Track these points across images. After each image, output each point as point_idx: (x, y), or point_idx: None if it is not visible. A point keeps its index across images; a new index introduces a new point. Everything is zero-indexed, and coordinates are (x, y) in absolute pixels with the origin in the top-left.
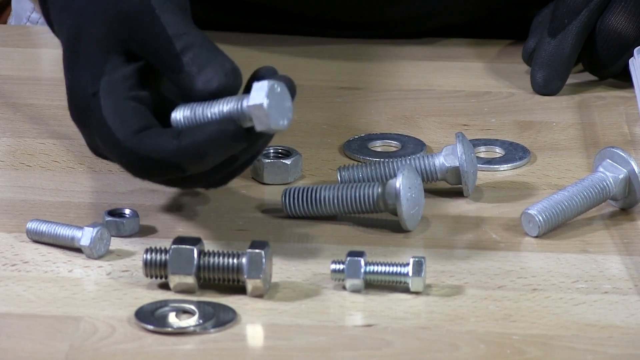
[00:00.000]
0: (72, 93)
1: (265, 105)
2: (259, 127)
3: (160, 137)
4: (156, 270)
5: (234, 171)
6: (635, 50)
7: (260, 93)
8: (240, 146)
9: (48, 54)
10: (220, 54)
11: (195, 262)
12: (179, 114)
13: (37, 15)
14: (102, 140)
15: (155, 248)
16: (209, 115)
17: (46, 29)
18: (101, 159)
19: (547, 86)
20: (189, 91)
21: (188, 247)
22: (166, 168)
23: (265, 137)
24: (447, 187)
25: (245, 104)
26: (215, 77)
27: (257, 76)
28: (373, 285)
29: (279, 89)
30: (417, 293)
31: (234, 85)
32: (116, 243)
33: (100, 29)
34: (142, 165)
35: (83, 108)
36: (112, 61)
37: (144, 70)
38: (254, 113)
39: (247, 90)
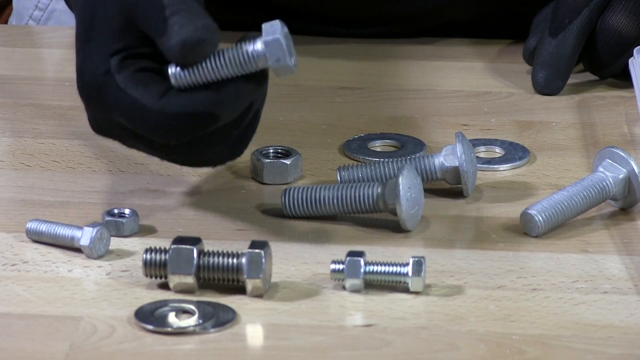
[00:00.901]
0: (83, 71)
1: (281, 39)
2: (273, 63)
3: (188, 93)
4: (156, 270)
5: (247, 130)
6: (635, 50)
7: (274, 29)
8: (263, 89)
9: (48, 53)
10: (202, 15)
11: (195, 262)
12: (175, 68)
13: (39, 14)
14: (124, 112)
15: (155, 248)
16: (215, 64)
17: (47, 28)
18: (104, 138)
19: (548, 86)
20: (166, 51)
21: (188, 247)
22: (201, 120)
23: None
24: (446, 187)
25: (259, 41)
26: (185, 30)
27: (246, 36)
28: (373, 285)
29: (286, 29)
30: (416, 293)
31: (205, 38)
32: (116, 243)
33: (112, 9)
34: (175, 123)
35: (94, 86)
36: (122, 40)
37: (154, 49)
38: (271, 48)
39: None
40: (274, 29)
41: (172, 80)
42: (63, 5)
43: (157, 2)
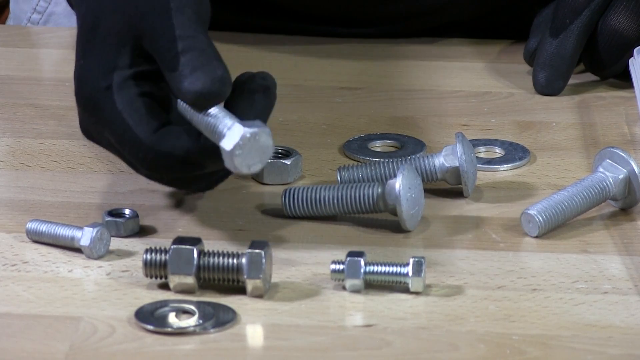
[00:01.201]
0: (82, 81)
1: (232, 154)
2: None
3: (182, 136)
4: (156, 270)
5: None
6: (635, 50)
7: (231, 139)
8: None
9: (48, 54)
10: (216, 60)
11: (195, 262)
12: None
13: (37, 17)
14: (115, 134)
15: (155, 248)
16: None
17: (47, 29)
18: (91, 142)
19: (549, 86)
20: (177, 91)
21: (188, 247)
22: (186, 165)
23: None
24: (447, 187)
25: (219, 141)
26: (202, 80)
27: (236, 82)
28: (373, 285)
29: (255, 136)
30: (416, 293)
31: (219, 92)
32: (116, 243)
33: (118, 22)
34: (161, 162)
35: (92, 98)
36: (126, 55)
37: (157, 68)
38: (224, 155)
39: (232, 93)
40: (230, 139)
41: (179, 107)
42: (61, 9)
43: (169, 32)
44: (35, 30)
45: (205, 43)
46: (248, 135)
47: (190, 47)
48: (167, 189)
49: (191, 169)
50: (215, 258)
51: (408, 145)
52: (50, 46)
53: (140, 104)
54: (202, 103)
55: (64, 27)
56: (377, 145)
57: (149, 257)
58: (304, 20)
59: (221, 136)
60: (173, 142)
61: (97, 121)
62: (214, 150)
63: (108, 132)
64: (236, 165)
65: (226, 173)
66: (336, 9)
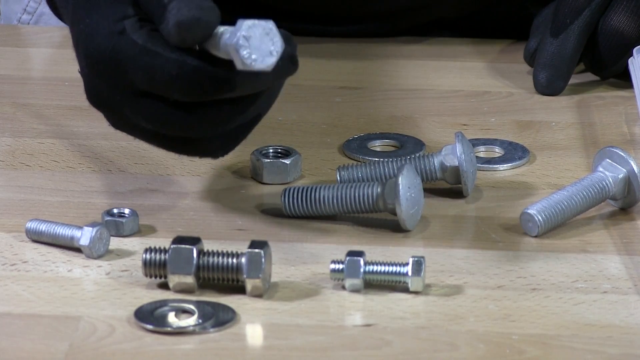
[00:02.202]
0: (93, 34)
1: (237, 46)
2: (238, 66)
3: (211, 56)
4: (155, 269)
5: (269, 101)
6: (634, 50)
7: (232, 34)
8: (294, 70)
9: (46, 53)
10: (196, 3)
11: (195, 261)
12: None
13: (27, 17)
14: (143, 67)
15: (155, 248)
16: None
17: (45, 28)
18: (99, 110)
19: (550, 86)
20: (167, 36)
21: (187, 246)
22: (218, 82)
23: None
24: (446, 186)
25: (223, 39)
26: (185, 12)
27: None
28: (372, 285)
29: (260, 29)
30: (416, 293)
31: (201, 16)
32: (115, 243)
33: None
34: (194, 77)
35: (108, 47)
36: (130, 8)
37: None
38: (231, 53)
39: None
40: (236, 32)
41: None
42: None
43: None
44: (34, 30)
45: None
46: (249, 23)
47: None
48: (167, 188)
49: (221, 88)
50: (215, 257)
51: (407, 145)
52: (45, 46)
53: (158, 36)
54: (187, 35)
55: (57, 26)
56: (377, 145)
57: (148, 256)
58: (290, 19)
59: (225, 37)
60: (202, 58)
61: (117, 67)
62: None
63: (134, 70)
64: (244, 57)
65: (241, 129)
66: (321, 7)
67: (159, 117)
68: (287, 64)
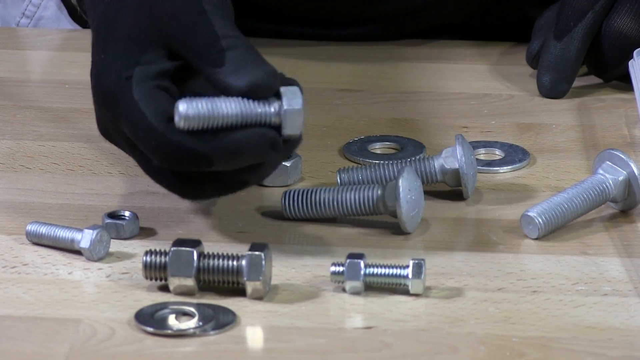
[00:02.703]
0: (102, 73)
1: (302, 109)
2: (288, 131)
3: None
4: (156, 272)
5: (258, 176)
6: (635, 52)
7: (296, 98)
8: (275, 155)
9: (46, 56)
10: (262, 58)
11: (195, 264)
12: (187, 106)
13: (26, 21)
14: (130, 124)
15: (155, 250)
16: (226, 110)
17: (45, 30)
18: (108, 143)
19: (553, 89)
20: (227, 86)
21: (188, 249)
22: (196, 158)
23: (294, 146)
24: (446, 189)
25: (282, 107)
26: (256, 73)
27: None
28: (373, 287)
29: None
30: (416, 295)
31: (273, 85)
32: (116, 245)
33: (143, 20)
34: (171, 152)
35: (113, 90)
36: (151, 53)
37: (179, 69)
38: (290, 117)
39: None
40: (296, 98)
41: (176, 119)
42: (50, 13)
43: (208, 31)
44: (35, 32)
45: (247, 41)
46: (299, 90)
47: (236, 44)
48: (170, 192)
49: (200, 163)
50: (215, 260)
51: (408, 147)
52: (44, 48)
53: (156, 94)
54: (254, 94)
55: (56, 29)
56: (377, 148)
57: (148, 259)
58: (291, 22)
59: (275, 105)
60: (184, 132)
61: (114, 113)
62: (226, 147)
63: (123, 123)
64: (302, 123)
65: (234, 182)
66: (322, 10)
67: (151, 171)
68: (266, 148)
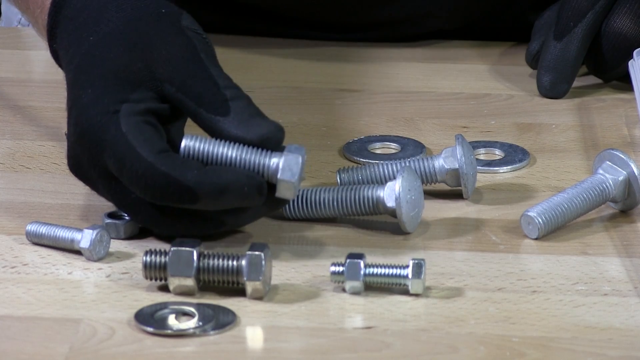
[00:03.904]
0: (86, 107)
1: (296, 184)
2: (279, 195)
3: (184, 162)
4: (156, 272)
5: (237, 221)
6: (635, 52)
7: (294, 168)
8: (259, 201)
9: (46, 56)
10: (260, 111)
11: (195, 264)
12: (192, 142)
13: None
14: (117, 154)
15: (155, 250)
16: (227, 154)
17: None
18: (78, 180)
19: (553, 90)
20: (235, 136)
21: (188, 249)
22: (181, 192)
23: (282, 204)
24: (446, 189)
25: (278, 170)
26: (268, 127)
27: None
28: (373, 287)
29: (302, 159)
30: (416, 295)
31: (281, 139)
32: (116, 245)
33: (136, 62)
34: (157, 183)
35: (98, 122)
36: (140, 93)
37: (166, 112)
38: (283, 185)
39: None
40: (294, 168)
41: (184, 142)
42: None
43: (209, 78)
44: (29, 33)
45: (247, 95)
46: (302, 160)
47: (238, 95)
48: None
49: (184, 198)
50: (215, 260)
51: (408, 147)
52: (45, 48)
53: (145, 128)
54: (264, 147)
55: None
56: (377, 148)
57: (148, 259)
58: (291, 25)
59: (274, 169)
60: (173, 164)
61: (97, 144)
62: (212, 183)
63: (108, 155)
64: (295, 193)
65: (210, 221)
66: (322, 15)
67: (127, 204)
68: (252, 189)
